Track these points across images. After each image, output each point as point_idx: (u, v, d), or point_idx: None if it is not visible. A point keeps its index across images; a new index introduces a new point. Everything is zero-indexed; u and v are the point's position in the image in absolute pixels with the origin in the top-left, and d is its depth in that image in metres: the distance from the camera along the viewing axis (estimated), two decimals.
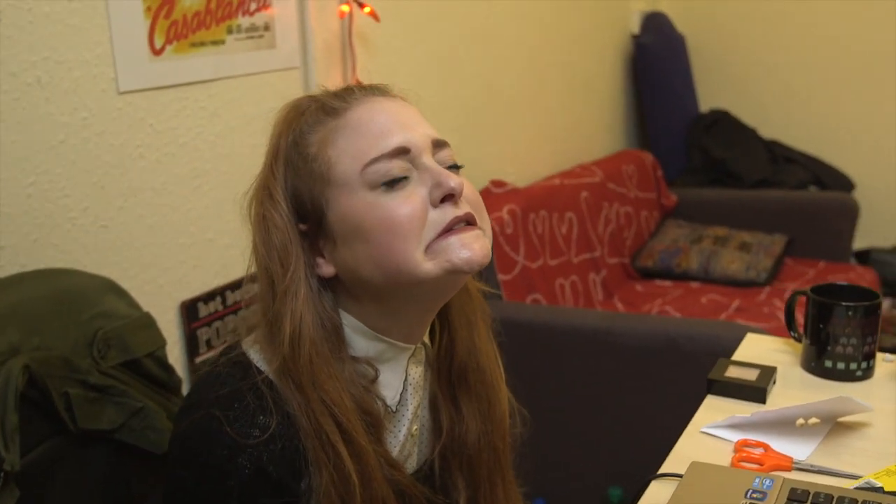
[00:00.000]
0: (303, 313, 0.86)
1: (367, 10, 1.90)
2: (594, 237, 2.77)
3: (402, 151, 0.86)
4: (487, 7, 2.48)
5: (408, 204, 0.85)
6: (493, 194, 2.43)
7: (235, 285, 1.72)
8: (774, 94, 3.64)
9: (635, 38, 3.41)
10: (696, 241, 3.04)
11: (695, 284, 2.89)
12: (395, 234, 0.84)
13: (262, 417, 0.84)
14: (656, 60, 3.39)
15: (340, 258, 0.88)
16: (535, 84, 2.80)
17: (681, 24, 3.63)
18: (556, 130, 2.96)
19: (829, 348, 1.25)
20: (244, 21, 1.69)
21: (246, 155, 1.70)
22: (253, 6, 1.70)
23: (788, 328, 1.35)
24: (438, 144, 0.90)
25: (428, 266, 0.85)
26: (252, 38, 1.71)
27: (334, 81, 1.91)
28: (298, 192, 0.88)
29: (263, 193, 0.90)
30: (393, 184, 0.85)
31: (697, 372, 1.32)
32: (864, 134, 3.54)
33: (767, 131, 3.61)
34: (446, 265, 0.85)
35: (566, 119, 3.03)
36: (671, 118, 3.47)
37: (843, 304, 1.24)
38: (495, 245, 2.26)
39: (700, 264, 2.94)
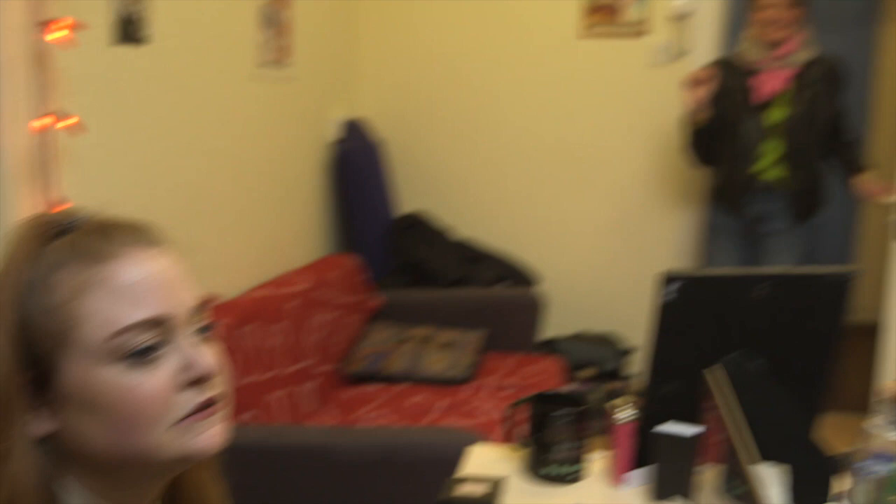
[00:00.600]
0: (19, 479, 0.74)
1: (67, 123, 1.78)
2: (304, 346, 2.75)
3: (157, 323, 0.78)
4: (191, 117, 2.43)
5: (153, 383, 0.76)
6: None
7: None
8: (465, 196, 3.89)
9: (336, 143, 3.50)
10: (401, 342, 3.11)
11: (403, 386, 2.95)
12: (137, 415, 0.76)
13: None
14: (356, 165, 3.49)
15: (67, 422, 0.77)
16: (241, 194, 2.76)
17: (379, 130, 3.79)
18: (262, 239, 2.93)
19: (547, 455, 1.32)
20: None
21: None
22: None
23: (508, 437, 1.42)
24: (197, 309, 0.83)
25: (169, 449, 0.78)
26: None
27: (31, 199, 1.76)
28: (28, 332, 0.76)
29: None
30: (140, 355, 0.76)
31: (418, 482, 1.34)
32: (545, 233, 3.87)
33: (461, 231, 3.83)
34: (188, 450, 0.79)
35: (271, 227, 3.01)
36: (373, 221, 3.57)
37: (557, 412, 1.32)
38: None
39: (406, 366, 3.01)
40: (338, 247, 3.60)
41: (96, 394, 0.75)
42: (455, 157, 3.89)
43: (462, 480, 1.29)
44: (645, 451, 1.31)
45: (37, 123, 1.73)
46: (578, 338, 3.75)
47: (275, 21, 2.91)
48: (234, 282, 2.69)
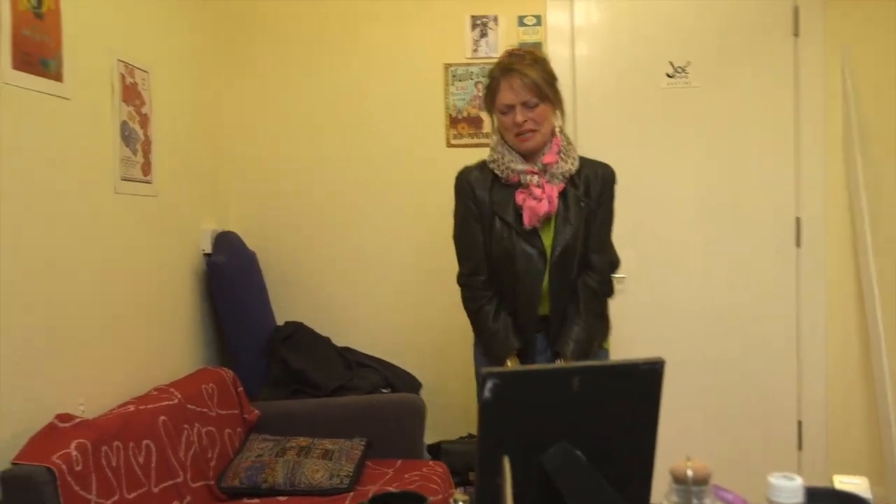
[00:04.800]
0: None
1: None
2: (176, 462, 2.67)
3: None
4: (47, 228, 2.39)
5: None
6: (60, 429, 2.25)
7: None
8: (343, 304, 3.90)
9: (207, 256, 3.48)
10: (280, 453, 3.06)
11: (282, 499, 2.88)
12: None
13: None
14: (230, 277, 3.47)
15: None
16: (105, 305, 2.71)
17: (251, 242, 3.79)
18: (130, 353, 2.87)
19: None
20: None
21: None
22: None
23: None
24: None
25: None
26: None
27: None
28: None
29: None
30: None
31: None
32: (424, 339, 3.89)
33: (340, 339, 3.82)
34: None
35: (141, 341, 2.95)
36: (249, 333, 3.54)
37: None
38: (62, 485, 2.08)
39: (286, 477, 2.95)
40: (213, 360, 3.55)
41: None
42: (327, 267, 3.92)
43: None
44: None
45: None
46: (466, 440, 3.75)
47: (135, 137, 2.92)
48: (99, 399, 2.61)
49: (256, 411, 3.33)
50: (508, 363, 2.66)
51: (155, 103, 3.09)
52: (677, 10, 3.88)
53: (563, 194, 2.64)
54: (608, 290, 2.76)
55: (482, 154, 4.04)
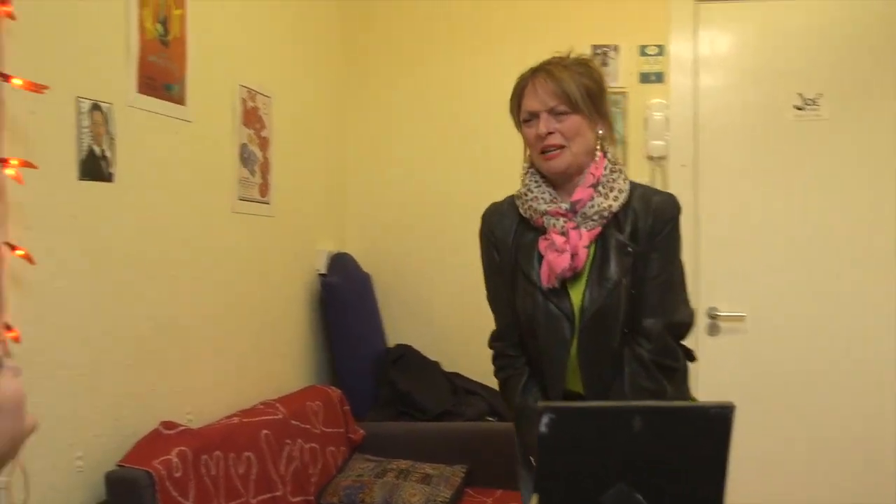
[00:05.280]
0: None
1: (19, 252, 1.87)
2: (276, 476, 2.74)
3: None
4: (165, 243, 2.52)
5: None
6: (163, 436, 2.36)
7: None
8: (454, 329, 3.91)
9: (322, 276, 3.58)
10: (380, 474, 3.09)
11: None
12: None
13: None
14: (343, 298, 3.56)
15: None
16: (219, 321, 2.82)
17: (365, 264, 3.87)
18: (240, 368, 2.97)
19: None
20: None
21: None
22: None
23: None
24: None
25: None
26: None
27: None
28: None
29: None
30: None
31: None
32: None
33: (449, 364, 3.84)
34: None
35: (251, 356, 3.05)
36: (358, 354, 3.60)
37: None
38: (160, 489, 2.18)
39: (383, 498, 2.98)
40: (322, 378, 3.62)
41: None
42: (440, 292, 3.95)
43: None
44: None
45: None
46: None
47: (254, 159, 3.04)
48: (207, 410, 2.71)
49: (361, 431, 3.39)
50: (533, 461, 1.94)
51: (275, 127, 3.21)
52: (808, 38, 3.73)
53: (601, 238, 2.06)
54: (669, 363, 2.11)
55: None
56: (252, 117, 3.03)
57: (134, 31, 2.36)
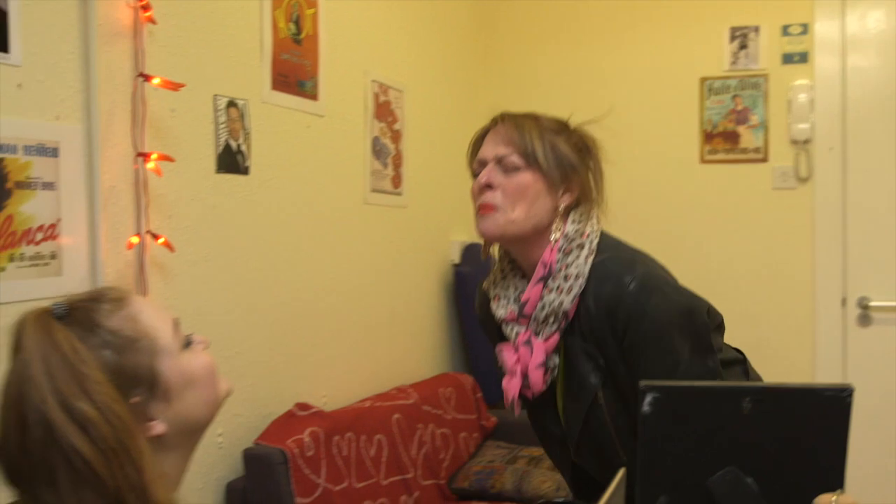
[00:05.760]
0: (153, 479, 0.95)
1: (160, 240, 2.01)
2: (406, 459, 2.81)
3: (177, 324, 1.09)
4: (299, 233, 2.63)
5: (205, 356, 1.10)
6: (297, 417, 2.47)
7: None
8: None
9: (455, 266, 3.63)
10: (511, 461, 3.12)
11: None
12: (211, 374, 1.09)
13: None
14: (474, 288, 3.59)
15: (174, 409, 1.04)
16: (353, 309, 2.92)
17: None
18: (373, 355, 3.06)
19: None
20: (28, 250, 1.76)
21: None
22: (39, 236, 1.78)
23: None
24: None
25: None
26: (36, 265, 1.78)
27: None
28: (123, 372, 0.99)
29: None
30: (188, 343, 1.09)
31: None
32: None
33: None
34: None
35: (385, 344, 3.14)
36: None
37: None
38: (293, 467, 2.28)
39: (514, 484, 3.00)
40: (455, 366, 3.68)
41: (188, 372, 1.06)
42: None
43: None
44: None
45: (133, 240, 1.96)
46: None
47: (386, 152, 3.13)
48: (341, 394, 2.82)
49: (493, 418, 3.42)
50: None
51: (407, 120, 3.28)
52: None
53: (564, 343, 1.59)
54: None
55: (737, 172, 3.93)
56: (384, 111, 3.12)
57: (268, 31, 2.48)
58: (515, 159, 1.56)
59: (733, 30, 3.70)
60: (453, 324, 3.68)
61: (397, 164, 3.22)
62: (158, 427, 1.02)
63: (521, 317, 1.57)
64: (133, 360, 1.00)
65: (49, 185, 1.80)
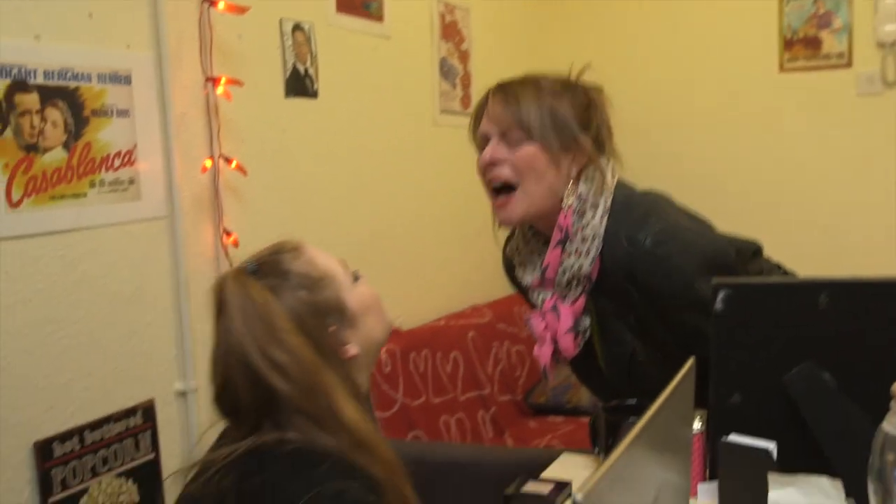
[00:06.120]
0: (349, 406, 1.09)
1: (233, 164, 2.06)
2: (483, 375, 2.86)
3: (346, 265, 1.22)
4: (367, 160, 2.66)
5: (368, 288, 1.22)
6: None
7: (94, 425, 1.78)
8: None
9: None
10: None
11: (585, 419, 2.97)
12: (378, 302, 1.22)
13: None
14: None
15: (361, 334, 1.17)
16: (426, 230, 2.95)
17: None
18: (448, 275, 3.10)
19: None
20: (108, 176, 1.82)
21: (106, 297, 1.80)
22: (117, 162, 1.84)
23: (592, 444, 1.44)
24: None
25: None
26: (115, 191, 1.84)
27: (204, 231, 2.04)
28: (319, 311, 1.13)
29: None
30: (356, 279, 1.21)
31: None
32: None
33: None
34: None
35: (459, 264, 3.17)
36: None
37: (631, 419, 1.34)
38: (372, 385, 2.34)
39: (590, 398, 3.02)
40: None
41: (364, 301, 1.19)
42: None
43: (534, 480, 1.34)
44: (714, 464, 1.29)
45: (206, 164, 2.01)
46: None
47: (454, 72, 3.11)
48: (416, 314, 2.86)
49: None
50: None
51: (475, 39, 3.25)
52: None
53: (595, 306, 1.53)
54: None
55: (819, 80, 3.77)
56: (451, 31, 3.09)
57: None
58: (516, 133, 1.48)
59: None
60: None
61: (466, 85, 3.20)
62: (353, 349, 1.15)
63: (545, 282, 1.52)
64: (324, 295, 1.14)
65: (123, 113, 1.85)
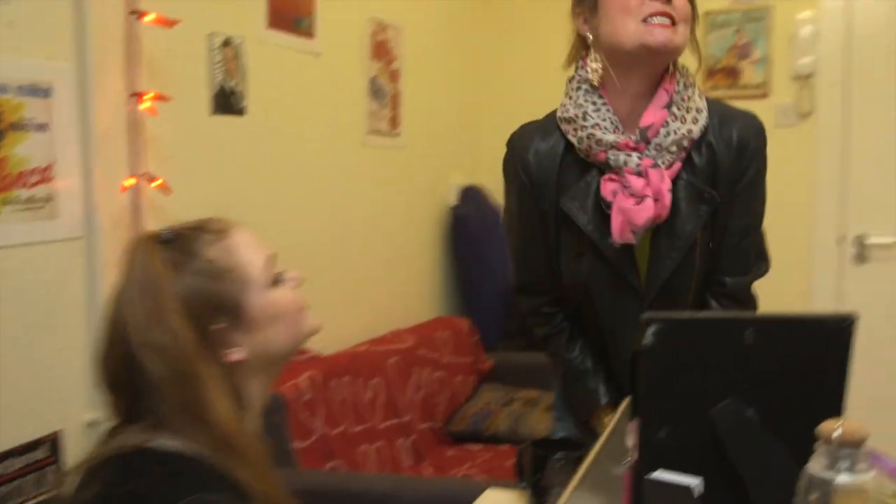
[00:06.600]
0: (225, 410, 1.04)
1: (156, 183, 1.97)
2: (403, 403, 2.82)
3: (272, 260, 1.17)
4: (296, 174, 2.59)
5: (289, 294, 1.17)
6: (294, 362, 2.46)
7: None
8: None
9: (453, 209, 3.60)
10: (507, 403, 3.13)
11: (504, 447, 2.96)
12: (289, 308, 1.15)
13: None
14: (473, 230, 3.57)
15: (257, 340, 1.10)
16: (348, 251, 2.90)
17: (498, 197, 3.87)
18: (370, 298, 3.05)
19: (543, 499, 1.32)
20: (23, 193, 1.72)
21: (14, 320, 1.70)
22: (33, 179, 1.74)
23: (518, 478, 1.42)
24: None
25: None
26: (30, 209, 1.74)
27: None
28: (205, 299, 1.07)
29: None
30: (278, 280, 1.15)
31: None
32: None
33: None
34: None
35: (381, 287, 3.13)
36: (489, 285, 3.62)
37: (553, 457, 1.32)
38: (291, 412, 2.28)
39: (509, 426, 3.01)
40: (452, 309, 3.67)
41: (273, 307, 1.12)
42: None
43: None
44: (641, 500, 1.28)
45: (127, 183, 1.92)
46: None
47: (384, 92, 3.07)
48: (337, 338, 2.81)
49: (490, 361, 3.43)
50: (603, 420, 1.63)
51: (406, 59, 3.22)
52: None
53: (673, 182, 1.54)
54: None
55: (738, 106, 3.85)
56: (382, 50, 3.05)
57: None
58: None
59: None
60: (450, 267, 3.66)
61: (395, 105, 3.16)
62: (238, 353, 1.08)
63: (642, 142, 1.52)
64: (221, 289, 1.08)
65: (42, 127, 1.76)
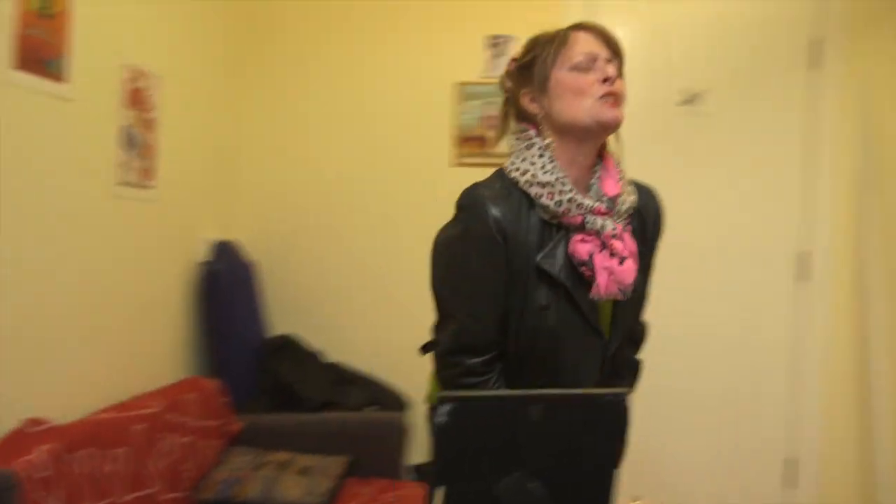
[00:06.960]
0: None
1: None
2: (149, 473, 2.65)
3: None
4: (37, 226, 2.39)
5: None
6: (28, 434, 2.24)
7: None
8: (339, 318, 3.88)
9: (204, 264, 3.47)
10: (257, 467, 3.04)
11: None
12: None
13: None
14: (224, 286, 3.46)
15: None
16: (90, 312, 2.69)
17: (255, 251, 3.79)
18: (113, 361, 2.85)
19: None
20: None
21: None
22: None
23: None
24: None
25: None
26: None
27: None
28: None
29: None
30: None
31: None
32: (416, 357, 3.86)
33: (332, 354, 3.80)
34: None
35: (125, 349, 2.93)
36: (240, 344, 3.52)
37: None
38: (25, 490, 2.07)
39: (261, 492, 2.92)
40: (201, 369, 3.52)
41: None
42: (327, 281, 3.91)
43: None
44: None
45: None
46: None
47: (137, 142, 2.92)
48: (76, 404, 2.60)
49: (239, 423, 3.31)
50: None
51: (163, 109, 3.08)
52: (693, 37, 3.86)
53: None
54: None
55: (486, 175, 4.04)
56: (138, 98, 2.90)
57: (9, 2, 2.22)
58: (618, 63, 1.76)
59: (487, 38, 3.82)
60: (199, 325, 3.52)
61: (149, 156, 3.01)
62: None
63: (611, 209, 1.73)
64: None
65: None
